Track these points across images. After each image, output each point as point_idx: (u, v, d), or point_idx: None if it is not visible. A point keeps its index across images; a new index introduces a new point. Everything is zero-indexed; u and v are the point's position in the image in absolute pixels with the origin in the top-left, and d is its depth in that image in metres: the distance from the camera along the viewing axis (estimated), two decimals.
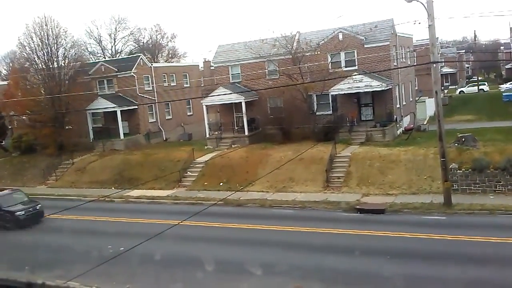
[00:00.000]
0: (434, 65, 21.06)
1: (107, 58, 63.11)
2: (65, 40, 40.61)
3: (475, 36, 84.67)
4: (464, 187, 23.21)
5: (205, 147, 35.81)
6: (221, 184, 29.04)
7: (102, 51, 71.37)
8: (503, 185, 22.50)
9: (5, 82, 50.11)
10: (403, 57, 37.30)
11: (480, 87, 68.90)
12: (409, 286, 14.29)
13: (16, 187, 29.35)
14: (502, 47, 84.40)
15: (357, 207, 22.40)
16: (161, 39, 75.31)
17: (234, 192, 24.57)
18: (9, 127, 46.35)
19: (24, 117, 42.29)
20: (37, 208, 24.96)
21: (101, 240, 20.74)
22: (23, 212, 24.16)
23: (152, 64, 46.81)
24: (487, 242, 16.67)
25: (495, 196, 22.14)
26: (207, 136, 37.06)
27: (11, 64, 64.81)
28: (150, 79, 43.97)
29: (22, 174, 38.03)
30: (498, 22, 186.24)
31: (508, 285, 13.74)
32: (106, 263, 13.85)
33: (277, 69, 35.11)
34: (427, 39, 22.13)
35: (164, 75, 46.21)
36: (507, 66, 78.33)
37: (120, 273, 16.36)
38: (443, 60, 66.82)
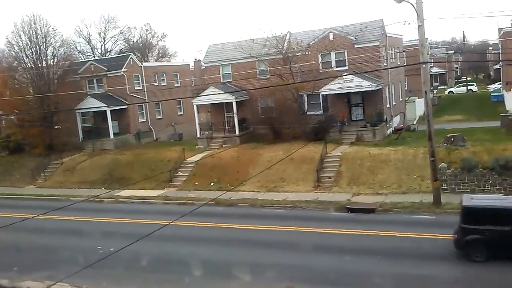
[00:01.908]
0: (424, 65, 21.20)
1: (96, 57, 62.64)
2: (54, 39, 40.32)
3: (464, 36, 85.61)
4: (453, 187, 23.41)
5: (196, 147, 35.71)
6: (212, 184, 28.98)
7: (92, 50, 70.75)
8: (492, 184, 22.74)
9: None
10: (393, 57, 37.54)
11: (469, 87, 69.57)
12: (399, 286, 14.37)
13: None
14: (490, 48, 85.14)
15: (348, 206, 22.49)
16: (152, 38, 74.92)
17: (225, 192, 24.51)
18: None
19: (12, 117, 41.83)
20: None
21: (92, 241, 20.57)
22: None
23: (142, 64, 46.56)
24: None
25: None
26: (198, 136, 36.95)
27: None
28: (140, 78, 43.73)
29: (10, 174, 37.61)
30: (486, 23, 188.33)
31: (496, 282, 13.88)
32: (96, 264, 13.75)
33: (268, 69, 35.11)
34: (417, 40, 22.29)
35: (155, 75, 46.00)
36: (495, 67, 79.07)
37: (109, 274, 16.26)
38: (432, 61, 67.30)
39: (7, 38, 42.16)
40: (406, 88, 46.79)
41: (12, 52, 41.44)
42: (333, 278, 15.09)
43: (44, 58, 39.55)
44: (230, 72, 37.50)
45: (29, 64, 39.77)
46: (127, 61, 42.91)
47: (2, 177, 37.34)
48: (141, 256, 17.43)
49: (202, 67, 47.16)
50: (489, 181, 22.82)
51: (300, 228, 20.01)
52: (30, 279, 16.50)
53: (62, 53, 41.49)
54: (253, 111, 36.29)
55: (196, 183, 29.49)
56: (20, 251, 20.19)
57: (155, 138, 43.80)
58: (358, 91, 32.60)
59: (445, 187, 23.21)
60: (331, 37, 33.89)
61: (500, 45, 52.94)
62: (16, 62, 42.04)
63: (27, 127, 38.86)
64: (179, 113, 48.62)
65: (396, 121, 37.79)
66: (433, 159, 21.34)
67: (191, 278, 15.98)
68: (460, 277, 14.38)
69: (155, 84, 45.57)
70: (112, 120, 39.73)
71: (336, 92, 32.47)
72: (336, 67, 33.63)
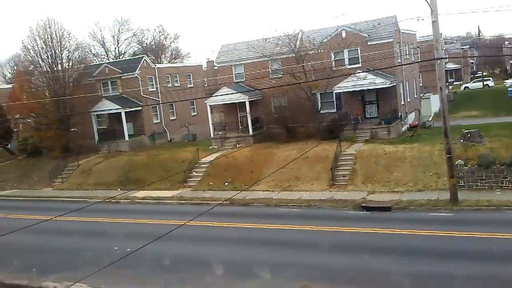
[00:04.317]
0: (438, 61, 20.96)
1: (110, 60, 63.30)
2: (68, 42, 40.86)
3: (479, 31, 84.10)
4: (470, 183, 23.10)
5: (210, 147, 35.84)
6: (226, 184, 29.06)
7: (106, 53, 71.73)
8: (510, 180, 22.36)
9: (10, 86, 50.35)
10: (407, 53, 37.16)
11: (485, 82, 68.57)
12: (417, 284, 14.22)
13: None
14: (506, 42, 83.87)
15: (363, 205, 22.34)
16: (164, 40, 75.65)
17: (239, 191, 24.57)
18: (15, 130, 46.59)
19: (29, 120, 42.52)
20: None
21: (109, 242, 20.79)
22: None
23: (155, 65, 46.92)
24: (494, 238, 16.57)
25: (502, 192, 22.01)
26: (212, 136, 37.10)
27: (15, 67, 65.16)
28: (153, 80, 44.08)
29: (28, 176, 38.22)
30: (502, 17, 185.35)
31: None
32: (113, 264, 13.89)
33: (281, 68, 35.09)
34: (431, 35, 22.04)
35: (168, 76, 46.30)
36: (511, 61, 77.91)
37: (126, 274, 16.41)
38: (447, 56, 66.56)
39: (23, 43, 42.92)
40: (420, 85, 46.33)
41: (28, 56, 42.18)
42: (349, 276, 14.98)
43: (59, 61, 40.12)
44: (243, 72, 37.54)
45: (44, 68, 40.34)
46: (141, 63, 43.28)
47: (21, 179, 37.98)
48: (158, 256, 17.54)
49: (215, 68, 47.28)
50: (507, 178, 22.44)
51: (315, 227, 19.94)
52: (49, 280, 16.75)
53: (77, 57, 42.07)
54: (266, 111, 36.28)
55: (211, 183, 29.60)
56: (39, 252, 20.47)
57: (169, 139, 44.07)
58: (372, 89, 32.38)
59: (462, 184, 22.90)
60: (343, 34, 33.71)
61: None
62: (32, 66, 42.71)
63: (44, 130, 39.45)
64: (192, 114, 48.86)
65: (411, 118, 37.42)
66: (450, 155, 21.08)
67: (209, 277, 16.00)
68: (478, 274, 14.16)
69: (169, 85, 45.88)
70: (127, 122, 40.12)
71: (350, 89, 32.28)
72: (349, 64, 33.45)
